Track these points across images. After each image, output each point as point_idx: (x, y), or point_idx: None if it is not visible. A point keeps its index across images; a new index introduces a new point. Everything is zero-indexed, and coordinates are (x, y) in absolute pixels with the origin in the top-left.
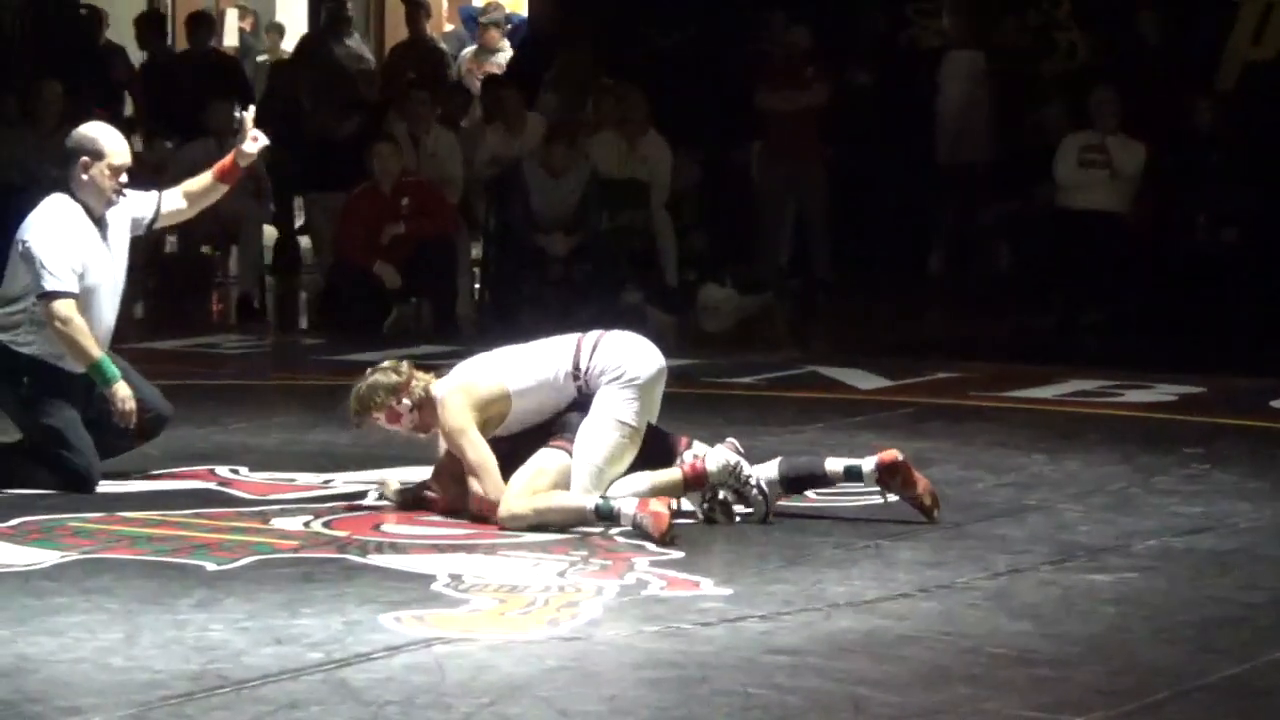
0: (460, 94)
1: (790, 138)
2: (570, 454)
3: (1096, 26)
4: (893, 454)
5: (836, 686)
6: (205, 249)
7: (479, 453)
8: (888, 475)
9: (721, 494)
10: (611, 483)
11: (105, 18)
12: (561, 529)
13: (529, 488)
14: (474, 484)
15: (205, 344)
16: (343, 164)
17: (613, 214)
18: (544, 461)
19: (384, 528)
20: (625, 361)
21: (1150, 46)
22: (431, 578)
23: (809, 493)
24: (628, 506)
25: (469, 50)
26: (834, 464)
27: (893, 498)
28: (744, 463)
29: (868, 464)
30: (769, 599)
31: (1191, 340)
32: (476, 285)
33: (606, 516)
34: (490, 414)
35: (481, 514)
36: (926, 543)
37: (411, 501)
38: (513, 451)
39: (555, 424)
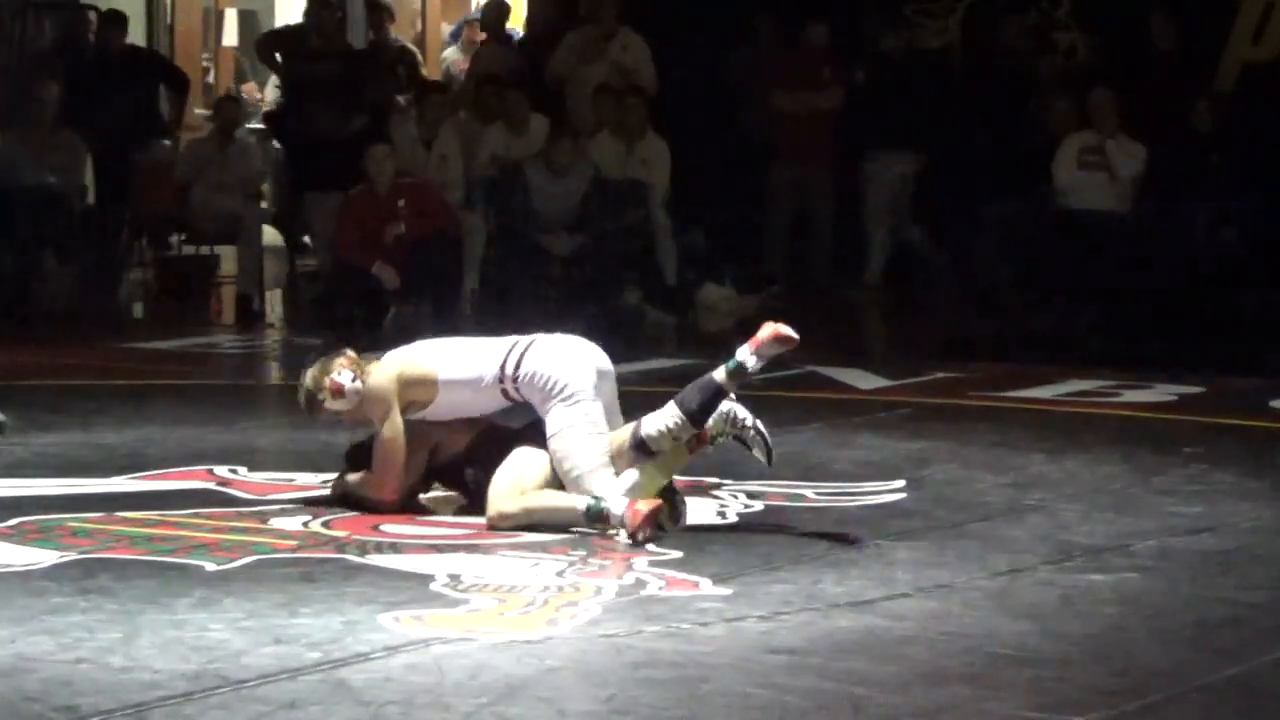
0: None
1: (802, 141)
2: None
3: (1096, 27)
4: (761, 334)
5: (836, 686)
6: (204, 249)
7: (393, 430)
8: (761, 350)
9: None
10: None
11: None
12: (553, 529)
13: (516, 487)
14: (375, 465)
15: (204, 344)
16: (344, 164)
17: (612, 214)
18: (526, 460)
19: (383, 527)
20: (558, 374)
21: (1154, 48)
22: (430, 577)
23: (808, 493)
24: (616, 507)
25: (452, 49)
26: (719, 374)
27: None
28: (737, 407)
29: (742, 353)
30: (768, 599)
31: (1191, 340)
32: (474, 286)
33: (596, 518)
34: (415, 397)
35: (369, 497)
36: (926, 542)
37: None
38: (488, 454)
39: (526, 432)
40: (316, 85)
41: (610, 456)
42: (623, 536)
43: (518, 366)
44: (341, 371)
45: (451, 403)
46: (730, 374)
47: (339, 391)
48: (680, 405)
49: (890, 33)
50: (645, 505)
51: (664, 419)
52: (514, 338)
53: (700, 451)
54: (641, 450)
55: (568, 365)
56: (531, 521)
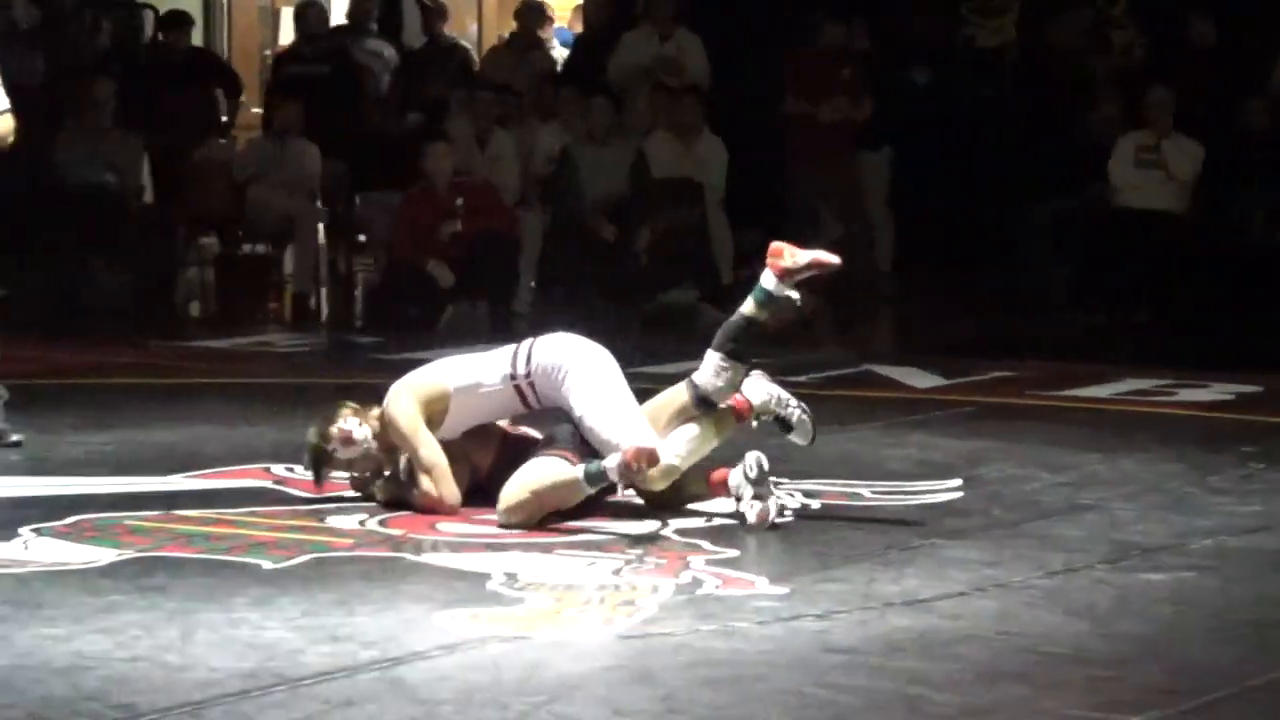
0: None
1: (822, 144)
2: (568, 459)
3: (1152, 25)
4: (772, 248)
5: (891, 685)
6: (261, 247)
7: (431, 450)
8: (776, 261)
9: (751, 493)
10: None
11: (149, 17)
12: (562, 507)
13: (523, 485)
14: (425, 482)
15: (262, 343)
16: (400, 162)
17: (667, 212)
18: (538, 464)
19: (439, 526)
20: (567, 361)
21: (1204, 47)
22: (487, 576)
23: (864, 491)
24: (610, 463)
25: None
26: (747, 308)
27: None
28: (782, 391)
29: (765, 278)
30: (824, 598)
31: (1248, 339)
32: (531, 284)
33: (596, 478)
34: (433, 411)
35: (429, 510)
36: (981, 541)
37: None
38: (501, 468)
39: (544, 438)
40: (300, 86)
41: (667, 420)
42: (680, 535)
43: (528, 362)
44: (347, 419)
45: (466, 411)
46: (759, 304)
47: (349, 439)
48: (718, 349)
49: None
50: (633, 447)
51: (711, 367)
52: (514, 343)
53: (744, 423)
54: (704, 404)
55: (576, 353)
56: (541, 505)
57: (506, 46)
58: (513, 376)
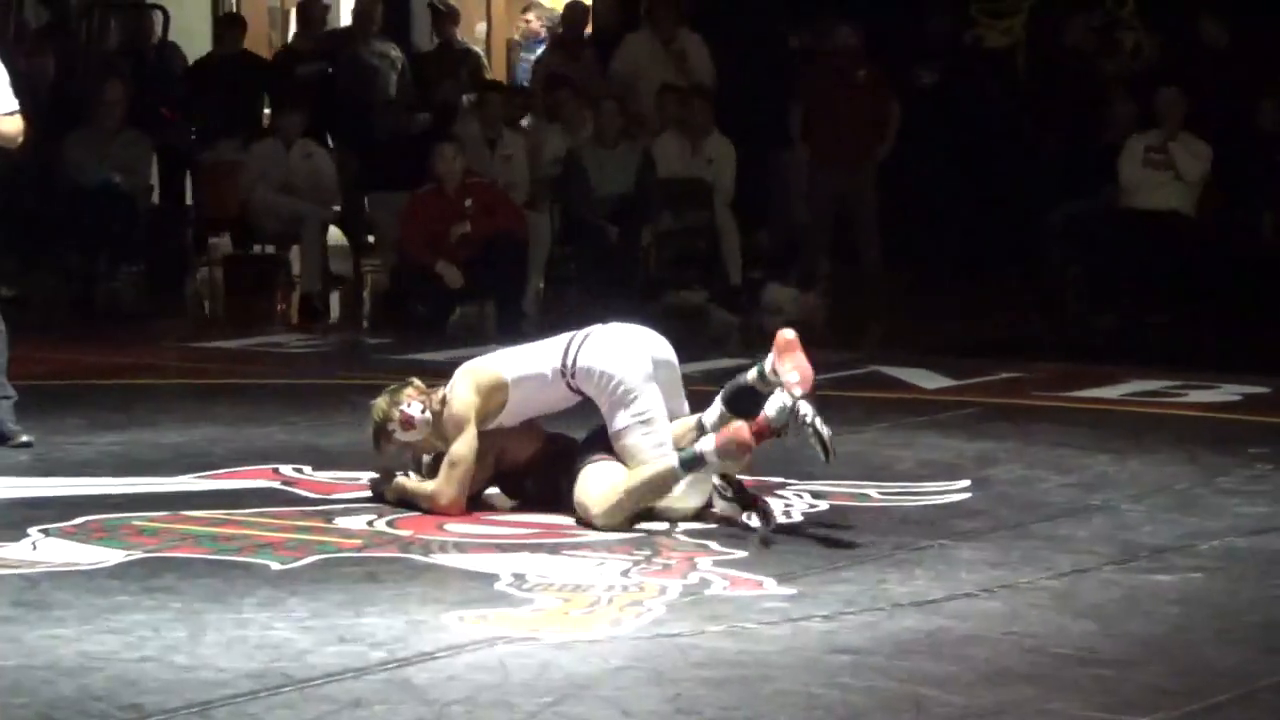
0: (521, 94)
1: (837, 143)
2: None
3: (1161, 26)
4: (781, 334)
5: (899, 686)
6: (269, 248)
7: (466, 447)
8: (779, 354)
9: (739, 507)
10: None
11: (159, 17)
12: (657, 499)
13: (610, 487)
14: (441, 473)
15: (270, 343)
16: (410, 163)
17: (676, 214)
18: (609, 468)
19: (447, 527)
20: (611, 369)
21: (1215, 48)
22: (495, 577)
23: (873, 492)
24: (707, 445)
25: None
26: (751, 375)
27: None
28: (801, 403)
29: (769, 360)
30: (832, 599)
31: (1256, 340)
32: (539, 286)
33: (691, 464)
34: (492, 403)
35: (428, 508)
36: (990, 542)
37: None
38: (543, 465)
39: (586, 449)
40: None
41: (677, 447)
42: (689, 535)
43: (575, 361)
44: (411, 403)
45: (524, 401)
46: (760, 377)
47: (409, 424)
48: (722, 400)
49: (800, 32)
50: (733, 430)
51: (716, 416)
52: (573, 332)
53: (766, 442)
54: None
55: (621, 359)
56: (637, 501)
57: (558, 49)
58: (563, 373)
